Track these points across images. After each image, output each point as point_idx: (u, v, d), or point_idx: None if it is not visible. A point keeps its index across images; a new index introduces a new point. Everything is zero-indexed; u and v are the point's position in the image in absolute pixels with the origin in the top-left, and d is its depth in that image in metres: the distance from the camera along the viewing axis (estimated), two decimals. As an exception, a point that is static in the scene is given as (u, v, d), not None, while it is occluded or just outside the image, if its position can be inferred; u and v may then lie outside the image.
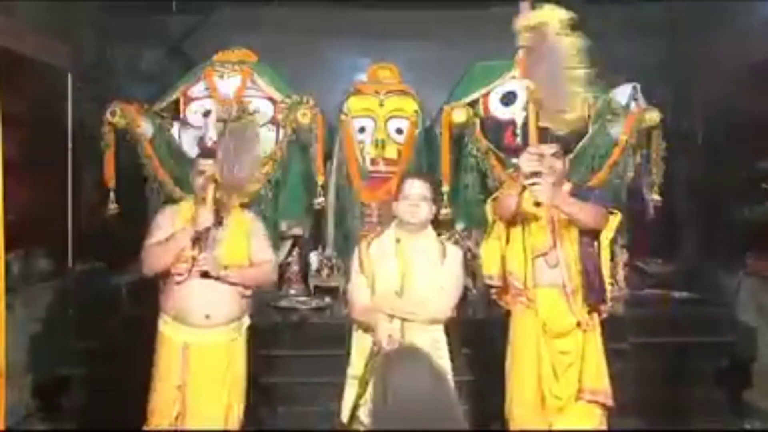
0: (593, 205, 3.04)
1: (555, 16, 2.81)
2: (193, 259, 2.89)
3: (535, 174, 2.88)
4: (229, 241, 3.02)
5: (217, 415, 2.95)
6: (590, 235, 3.07)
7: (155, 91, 5.24)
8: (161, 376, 2.98)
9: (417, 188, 2.88)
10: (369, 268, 2.87)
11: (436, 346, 2.85)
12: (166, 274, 2.97)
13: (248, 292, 3.07)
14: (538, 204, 2.90)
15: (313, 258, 5.01)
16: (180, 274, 2.92)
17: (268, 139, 5.02)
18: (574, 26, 2.83)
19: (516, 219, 3.10)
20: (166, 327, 3.00)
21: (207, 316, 2.94)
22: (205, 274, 2.91)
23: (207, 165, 3.02)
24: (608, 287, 3.19)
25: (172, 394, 2.94)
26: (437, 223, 4.94)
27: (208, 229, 2.92)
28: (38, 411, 4.06)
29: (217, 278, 2.93)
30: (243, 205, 4.84)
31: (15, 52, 4.20)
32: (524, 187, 2.94)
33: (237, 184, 2.99)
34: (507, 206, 3.07)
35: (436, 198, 2.98)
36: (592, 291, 3.05)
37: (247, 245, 3.07)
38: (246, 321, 3.11)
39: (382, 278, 2.84)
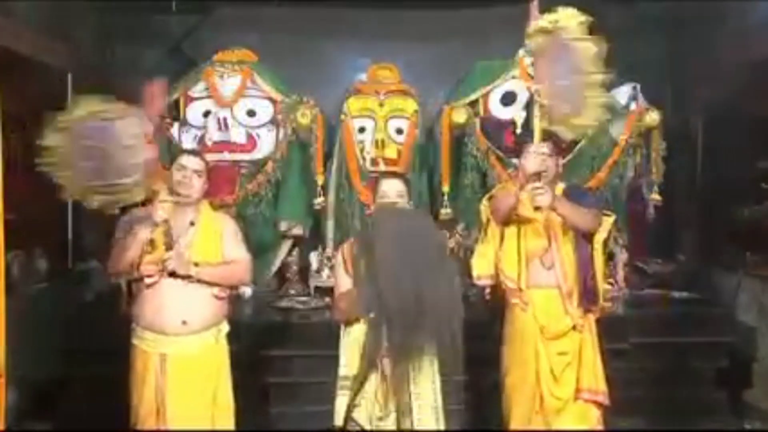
0: (586, 208, 3.04)
1: (572, 19, 2.76)
2: (162, 261, 2.77)
3: (538, 175, 2.89)
4: (200, 240, 2.92)
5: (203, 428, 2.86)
6: (585, 237, 3.08)
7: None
8: (139, 392, 2.85)
9: (394, 186, 2.89)
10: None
11: None
12: (136, 280, 2.84)
13: (224, 294, 2.95)
14: (537, 208, 2.92)
15: (313, 258, 5.01)
16: (150, 276, 2.80)
17: (268, 139, 5.04)
18: (591, 29, 2.79)
19: (510, 219, 3.10)
20: (139, 340, 2.88)
21: (184, 322, 2.82)
22: (174, 274, 2.80)
23: (190, 161, 2.98)
24: (603, 288, 3.19)
25: (154, 410, 2.82)
26: (437, 223, 5.02)
27: (168, 227, 2.79)
28: (37, 411, 4.06)
29: (188, 277, 2.81)
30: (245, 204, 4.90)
31: (15, 52, 4.20)
32: (522, 186, 2.95)
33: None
34: (503, 205, 3.07)
35: (412, 196, 2.97)
36: (586, 294, 3.06)
37: (219, 244, 2.96)
38: (225, 327, 3.00)
39: None
